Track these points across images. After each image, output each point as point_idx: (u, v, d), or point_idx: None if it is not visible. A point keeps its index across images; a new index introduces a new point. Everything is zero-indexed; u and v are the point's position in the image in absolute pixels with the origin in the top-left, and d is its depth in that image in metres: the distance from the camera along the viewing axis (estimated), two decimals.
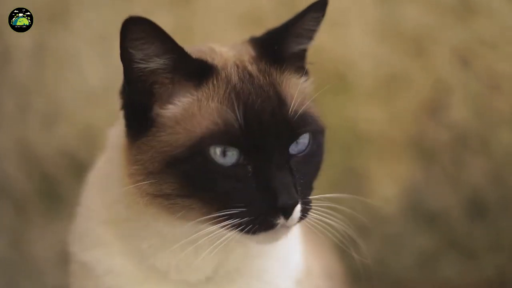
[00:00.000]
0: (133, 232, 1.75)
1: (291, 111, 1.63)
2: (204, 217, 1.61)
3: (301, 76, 1.76)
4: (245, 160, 1.60)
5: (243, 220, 1.58)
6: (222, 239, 1.61)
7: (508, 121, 2.81)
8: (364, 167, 2.88)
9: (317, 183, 1.74)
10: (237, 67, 1.69)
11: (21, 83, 2.86)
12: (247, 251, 1.77)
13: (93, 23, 2.83)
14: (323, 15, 1.74)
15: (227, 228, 1.60)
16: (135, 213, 1.71)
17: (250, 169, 1.60)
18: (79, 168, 2.39)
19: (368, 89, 2.85)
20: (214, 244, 1.61)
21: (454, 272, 2.89)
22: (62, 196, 2.82)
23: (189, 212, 1.63)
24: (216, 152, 1.59)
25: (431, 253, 2.90)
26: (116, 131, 1.77)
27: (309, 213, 1.66)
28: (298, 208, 1.61)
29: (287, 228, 1.63)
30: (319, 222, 1.69)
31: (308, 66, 1.79)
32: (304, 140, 1.66)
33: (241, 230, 1.59)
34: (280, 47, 1.72)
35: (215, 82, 1.65)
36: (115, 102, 1.72)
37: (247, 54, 1.74)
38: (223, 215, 1.59)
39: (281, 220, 1.60)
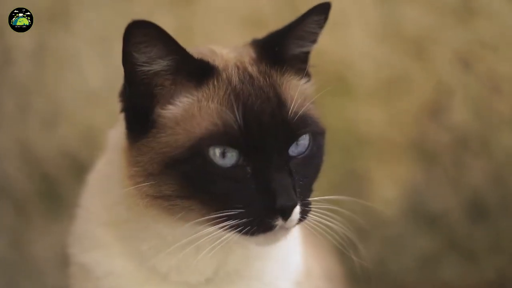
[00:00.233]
0: (133, 233, 1.75)
1: (291, 113, 1.63)
2: (203, 218, 1.61)
3: (302, 77, 1.75)
4: (244, 162, 1.60)
5: (241, 221, 1.58)
6: (221, 240, 1.61)
7: (509, 123, 2.81)
8: (364, 169, 2.88)
9: (317, 185, 1.74)
10: (238, 68, 1.69)
11: (21, 83, 2.86)
12: (247, 253, 1.77)
13: (93, 23, 2.83)
14: (325, 18, 1.74)
15: (226, 229, 1.60)
16: (135, 214, 1.72)
17: (249, 170, 1.60)
18: (79, 169, 2.39)
19: (369, 91, 2.84)
20: (213, 245, 1.62)
21: (454, 274, 2.89)
22: (62, 196, 2.82)
23: (188, 213, 1.63)
24: (215, 153, 1.59)
25: (431, 255, 2.90)
26: (116, 133, 1.78)
27: (309, 215, 1.66)
28: (297, 209, 1.61)
29: (286, 229, 1.64)
30: (319, 224, 1.69)
31: (310, 69, 1.79)
32: (304, 141, 1.66)
33: (240, 231, 1.60)
34: (281, 49, 1.72)
35: (215, 83, 1.66)
36: (116, 103, 1.73)
37: (248, 55, 1.74)
38: (222, 216, 1.59)
39: (279, 222, 1.60)
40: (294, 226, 1.64)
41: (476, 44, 2.81)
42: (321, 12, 1.72)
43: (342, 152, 2.83)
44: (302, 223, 1.67)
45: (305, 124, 1.65)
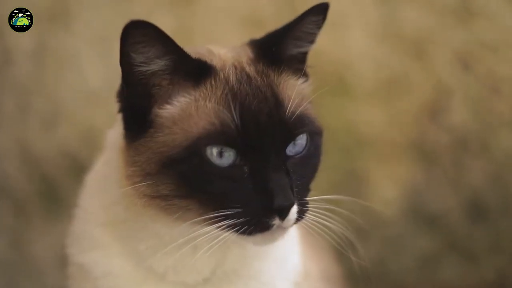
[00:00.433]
0: (130, 233, 1.75)
1: (288, 112, 1.64)
2: (201, 218, 1.61)
3: (299, 77, 1.76)
4: (241, 161, 1.60)
5: (238, 220, 1.59)
6: (218, 240, 1.61)
7: (508, 124, 2.81)
8: (364, 169, 2.88)
9: (316, 185, 1.74)
10: (235, 68, 1.69)
11: (21, 83, 2.87)
12: (244, 252, 1.77)
13: (93, 23, 2.83)
14: (323, 19, 1.74)
15: (223, 229, 1.60)
16: (132, 214, 1.72)
17: (246, 170, 1.60)
18: (79, 169, 2.38)
19: (368, 91, 2.84)
20: (211, 245, 1.62)
21: (454, 274, 2.89)
22: (62, 196, 2.82)
23: (186, 213, 1.63)
24: (212, 152, 1.59)
25: (431, 255, 2.90)
26: (114, 133, 1.78)
27: (306, 214, 1.67)
28: (294, 209, 1.62)
29: (284, 229, 1.64)
30: (317, 224, 1.69)
31: (307, 69, 1.79)
32: (301, 141, 1.66)
33: (237, 231, 1.60)
34: (278, 49, 1.72)
35: (213, 82, 1.66)
36: (115, 103, 1.73)
37: (246, 55, 1.74)
38: (219, 216, 1.59)
39: (276, 221, 1.60)
40: (291, 225, 1.64)
41: (476, 44, 2.81)
42: (319, 12, 1.72)
43: (342, 152, 2.83)
44: (300, 223, 1.67)
45: (302, 124, 1.65)
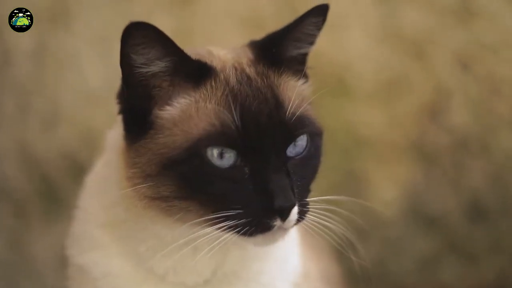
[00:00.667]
0: (130, 234, 1.75)
1: (288, 113, 1.64)
2: (202, 219, 1.61)
3: (299, 78, 1.76)
4: (242, 162, 1.60)
5: (239, 221, 1.58)
6: (219, 241, 1.61)
7: (508, 125, 2.81)
8: (364, 170, 2.88)
9: (316, 186, 1.73)
10: (235, 69, 1.69)
11: (21, 83, 2.86)
12: (244, 254, 1.77)
13: (93, 23, 2.83)
14: (323, 20, 1.74)
15: (224, 230, 1.60)
16: (133, 215, 1.72)
17: (247, 171, 1.60)
18: (79, 170, 2.39)
19: (368, 92, 2.84)
20: (211, 246, 1.62)
21: (454, 275, 2.89)
22: (62, 197, 2.82)
23: (186, 214, 1.63)
24: (213, 154, 1.59)
25: (431, 256, 2.90)
26: (114, 134, 1.78)
27: (307, 215, 1.67)
28: (295, 210, 1.61)
29: (284, 230, 1.64)
30: (317, 225, 1.69)
31: (307, 70, 1.79)
32: (301, 142, 1.66)
33: (238, 232, 1.60)
34: (278, 50, 1.72)
35: (213, 83, 1.66)
36: (115, 104, 1.73)
37: (246, 57, 1.74)
38: (220, 217, 1.59)
39: (277, 222, 1.60)
40: (292, 226, 1.64)
41: (476, 45, 2.81)
42: (319, 14, 1.72)
43: (342, 153, 2.83)
44: (300, 223, 1.67)
45: (302, 125, 1.65)
